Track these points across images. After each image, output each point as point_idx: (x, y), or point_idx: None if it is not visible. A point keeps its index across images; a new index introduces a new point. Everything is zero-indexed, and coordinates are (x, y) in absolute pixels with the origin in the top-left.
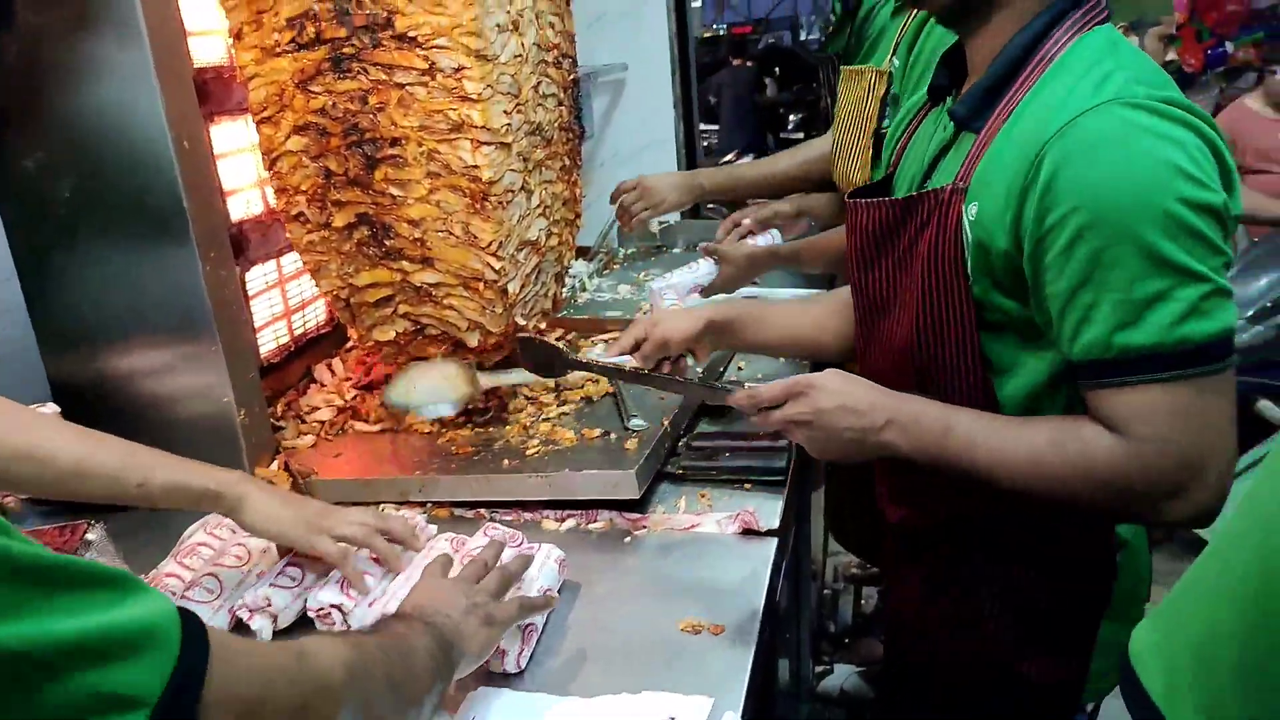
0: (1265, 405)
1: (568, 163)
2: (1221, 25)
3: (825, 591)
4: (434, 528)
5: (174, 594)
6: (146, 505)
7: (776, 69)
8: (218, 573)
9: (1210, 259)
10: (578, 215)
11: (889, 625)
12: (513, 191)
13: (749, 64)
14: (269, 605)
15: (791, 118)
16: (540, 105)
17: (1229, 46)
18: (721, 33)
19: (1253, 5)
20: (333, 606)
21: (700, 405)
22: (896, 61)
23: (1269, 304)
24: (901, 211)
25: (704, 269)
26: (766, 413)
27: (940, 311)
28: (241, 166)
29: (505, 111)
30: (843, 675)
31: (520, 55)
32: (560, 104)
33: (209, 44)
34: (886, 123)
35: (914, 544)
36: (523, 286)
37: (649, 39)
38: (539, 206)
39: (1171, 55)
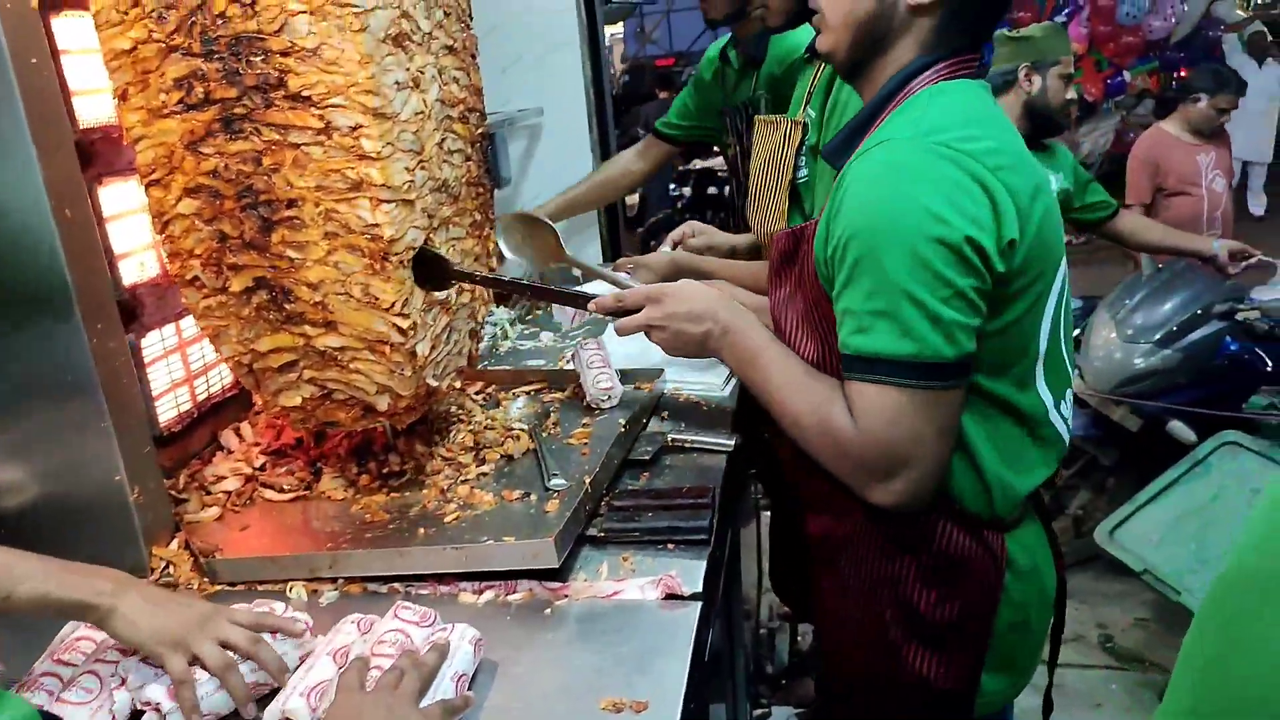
0: (1176, 426)
1: (478, 218)
2: (1118, 56)
3: (761, 631)
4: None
5: (52, 694)
6: (16, 615)
7: None
8: (98, 670)
9: (938, 289)
10: (491, 270)
11: (820, 660)
12: (414, 249)
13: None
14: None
15: (716, 146)
16: (446, 161)
17: (1126, 75)
18: (644, 61)
19: (1147, 37)
20: (152, 707)
21: (623, 460)
22: (811, 112)
23: (1175, 328)
24: (793, 240)
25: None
26: (628, 317)
27: (822, 325)
28: (134, 228)
29: (407, 169)
30: (780, 718)
31: (422, 112)
32: (468, 159)
33: (95, 103)
34: (803, 173)
35: (830, 553)
36: (433, 347)
37: (564, 82)
38: None
39: (1072, 94)
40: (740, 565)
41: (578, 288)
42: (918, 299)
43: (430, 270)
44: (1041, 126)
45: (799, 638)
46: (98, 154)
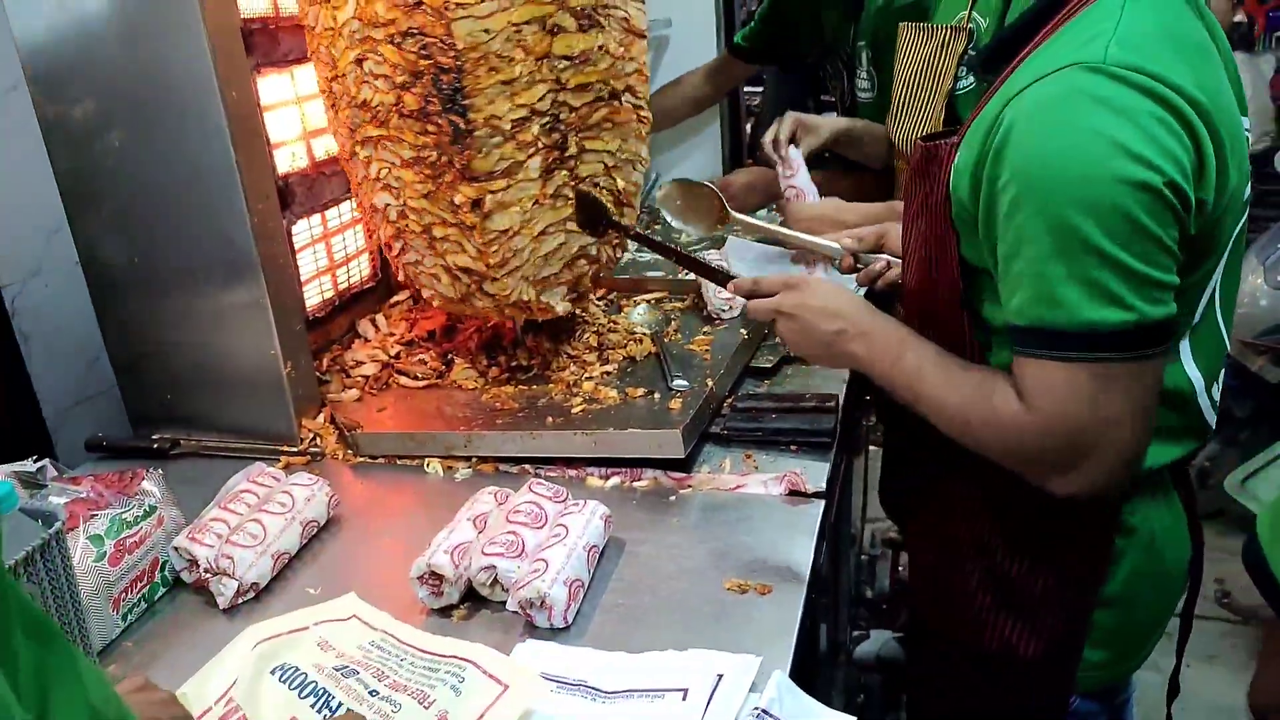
0: None
1: (424, 155)
2: None
3: (863, 557)
4: None
5: (219, 537)
6: None
7: None
8: (261, 519)
9: (1138, 243)
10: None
11: (912, 590)
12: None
13: None
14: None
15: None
16: (365, 83)
17: None
18: None
19: None
20: None
21: (745, 367)
22: (980, 19)
23: None
24: (925, 157)
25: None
26: (761, 299)
27: (934, 263)
28: (287, 119)
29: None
30: (879, 641)
31: (331, 29)
32: (399, 87)
33: None
34: (962, 83)
35: (931, 484)
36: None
37: None
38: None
39: (1240, 16)
40: (850, 492)
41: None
42: (1115, 257)
43: (589, 213)
44: None
45: (900, 568)
46: (257, 44)
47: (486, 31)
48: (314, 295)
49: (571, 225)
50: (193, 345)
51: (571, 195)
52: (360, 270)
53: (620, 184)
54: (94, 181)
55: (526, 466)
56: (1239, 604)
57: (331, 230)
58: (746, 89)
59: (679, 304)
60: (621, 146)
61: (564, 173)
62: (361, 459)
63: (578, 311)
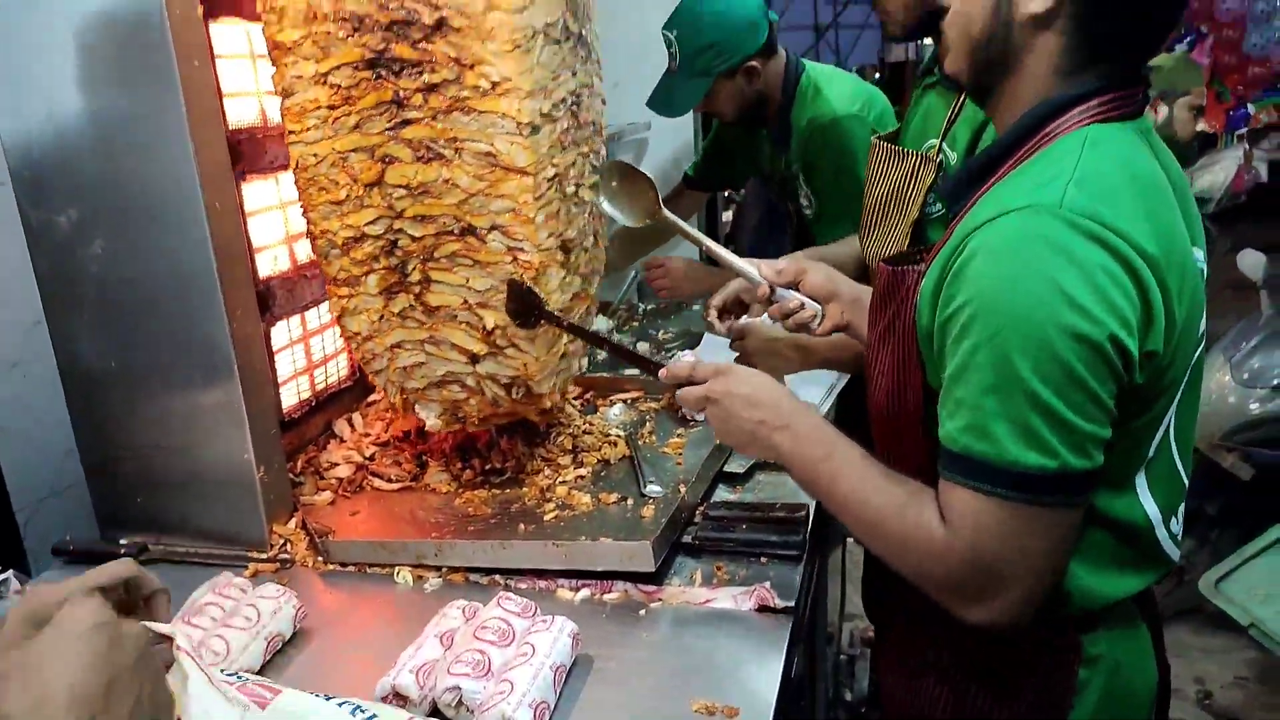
0: None
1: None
2: (1243, 88)
3: (841, 656)
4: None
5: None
6: None
7: None
8: (225, 634)
9: (1073, 394)
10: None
11: (883, 706)
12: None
13: None
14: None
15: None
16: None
17: (1250, 109)
18: None
19: (1276, 69)
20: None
21: (717, 473)
22: (950, 151)
23: None
24: (892, 281)
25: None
26: (689, 388)
27: (901, 386)
28: (270, 223)
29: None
30: None
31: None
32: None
33: (243, 105)
34: (930, 209)
35: (898, 598)
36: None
37: None
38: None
39: (1202, 125)
40: (825, 590)
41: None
42: (1047, 403)
43: (519, 303)
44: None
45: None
46: (244, 153)
47: (315, 155)
48: (291, 396)
49: (432, 348)
50: (165, 448)
51: (426, 320)
52: (338, 369)
53: (489, 321)
54: (75, 286)
55: (497, 577)
56: (1220, 705)
57: (311, 331)
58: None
59: (654, 404)
60: (494, 287)
61: (408, 296)
62: (332, 566)
63: (559, 402)
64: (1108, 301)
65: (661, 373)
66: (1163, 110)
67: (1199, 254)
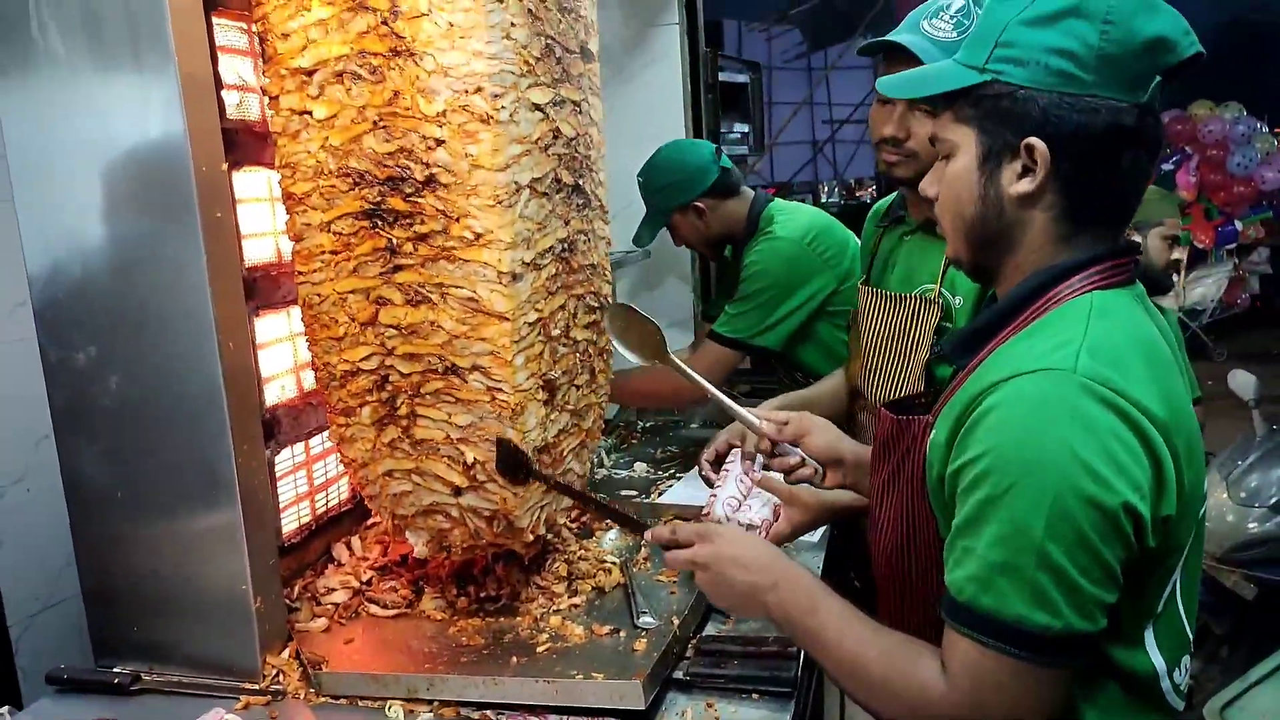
0: None
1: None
2: (1229, 205)
3: None
4: None
5: None
6: None
7: None
8: None
9: (1083, 557)
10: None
11: None
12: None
13: None
14: None
15: None
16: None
17: (1238, 224)
18: None
19: (1260, 187)
20: None
21: (709, 606)
22: (950, 295)
23: None
24: (897, 430)
25: (756, 507)
26: (676, 551)
27: (909, 536)
28: (280, 354)
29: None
30: None
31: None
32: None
33: (261, 245)
34: (939, 349)
35: None
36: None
37: None
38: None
39: (1177, 254)
40: (824, 710)
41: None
42: (1057, 564)
43: (508, 461)
44: (1145, 279)
45: None
46: (259, 289)
47: (319, 295)
48: (292, 521)
49: (418, 478)
50: (164, 575)
51: (413, 451)
52: (339, 493)
53: (469, 456)
54: (88, 417)
55: (488, 712)
56: None
57: (315, 456)
58: None
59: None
60: (474, 424)
61: (397, 429)
62: (324, 698)
63: (550, 536)
64: (1122, 468)
65: (646, 535)
66: (1136, 238)
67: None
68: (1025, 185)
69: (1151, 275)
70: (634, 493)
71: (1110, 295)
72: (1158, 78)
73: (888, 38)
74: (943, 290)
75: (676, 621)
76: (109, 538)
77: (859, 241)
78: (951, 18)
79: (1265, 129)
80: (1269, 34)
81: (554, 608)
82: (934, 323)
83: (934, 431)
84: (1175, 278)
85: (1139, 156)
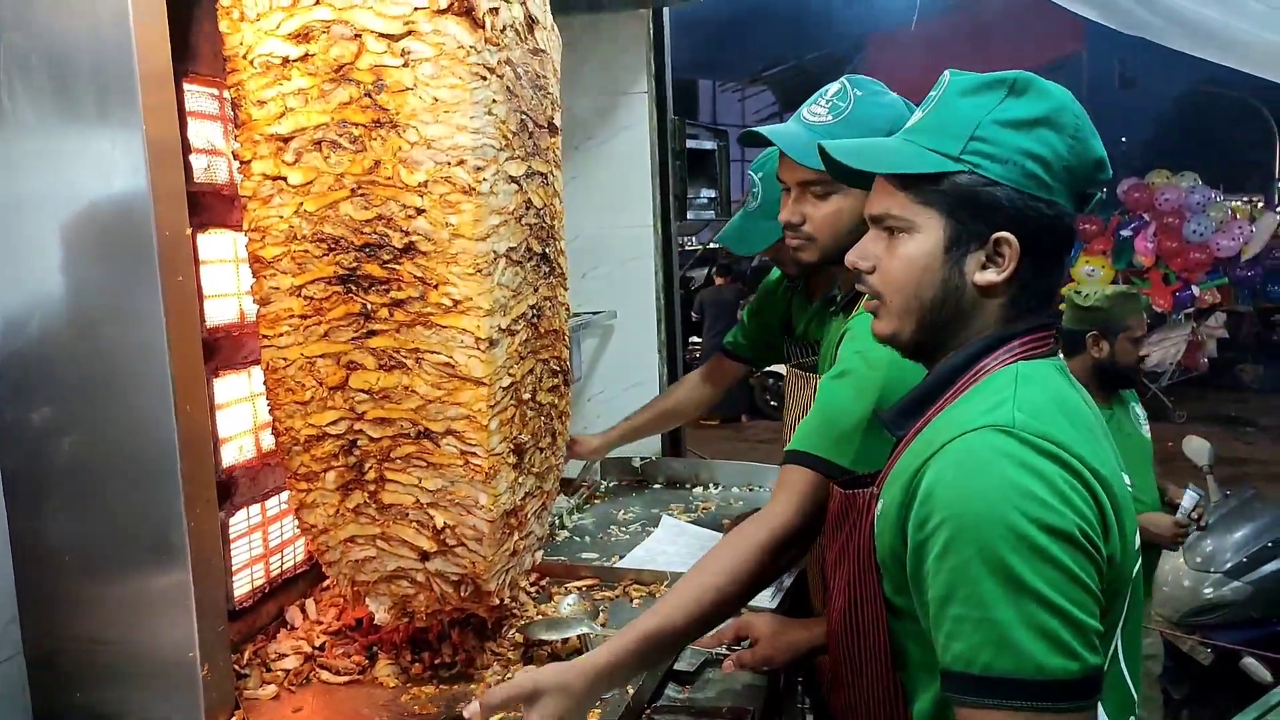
0: (1249, 663)
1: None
2: (1186, 271)
3: None
4: None
5: None
6: None
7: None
8: None
9: (1068, 588)
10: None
11: None
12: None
13: (735, 283)
14: None
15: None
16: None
17: (1195, 289)
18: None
19: (1215, 254)
20: None
21: (667, 671)
22: None
23: (1245, 559)
24: (845, 503)
25: None
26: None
27: (858, 603)
28: (239, 415)
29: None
30: None
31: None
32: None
33: (222, 306)
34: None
35: None
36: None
37: (638, 288)
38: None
39: (1145, 351)
40: None
41: None
42: (1060, 605)
43: None
44: (1110, 383)
45: None
46: (220, 350)
47: (284, 359)
48: (244, 584)
49: (383, 544)
50: (110, 641)
51: (379, 516)
52: (295, 554)
53: (439, 521)
54: (41, 480)
55: None
56: None
57: (271, 517)
58: (692, 341)
59: (609, 593)
60: (445, 488)
61: (363, 494)
62: None
63: (508, 600)
64: (1070, 503)
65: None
66: (1105, 346)
67: (1125, 478)
68: (991, 275)
69: (1118, 374)
70: (594, 555)
71: (1033, 365)
72: (1098, 194)
73: (760, 129)
74: None
75: (631, 690)
76: (55, 600)
77: None
78: (828, 103)
79: (1220, 198)
80: (1223, 106)
81: (509, 675)
82: None
83: (880, 503)
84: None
85: (1066, 260)
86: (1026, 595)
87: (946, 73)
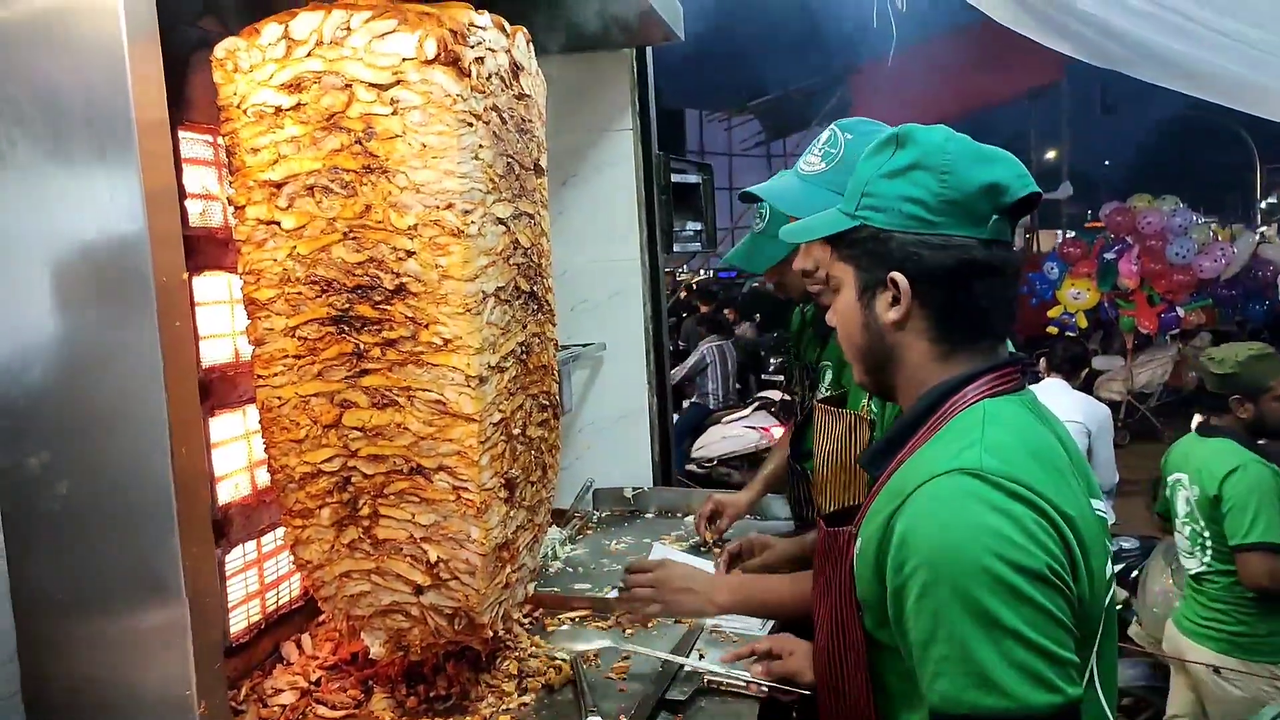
0: None
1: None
2: (1171, 292)
3: None
4: None
5: None
6: None
7: (757, 314)
8: None
9: (1044, 625)
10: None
11: None
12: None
13: (723, 310)
14: None
15: (772, 361)
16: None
17: (1180, 311)
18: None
19: (1199, 276)
20: None
21: (659, 700)
22: (875, 408)
23: None
24: (829, 540)
25: None
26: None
27: (840, 636)
28: (234, 453)
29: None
30: None
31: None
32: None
33: (217, 346)
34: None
35: None
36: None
37: (626, 320)
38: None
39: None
40: None
41: None
42: (1038, 642)
43: None
44: (1273, 436)
45: None
46: (215, 390)
47: (279, 399)
48: (240, 621)
49: (378, 578)
50: (105, 681)
51: (373, 552)
52: (291, 590)
53: (433, 555)
54: (37, 522)
55: None
56: None
57: (266, 553)
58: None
59: (601, 623)
60: (438, 523)
61: (357, 529)
62: None
63: (502, 632)
64: (1040, 542)
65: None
66: (1250, 407)
67: (1099, 504)
68: (894, 314)
69: (1271, 431)
70: (587, 585)
71: (1000, 402)
72: (995, 216)
73: (756, 189)
74: (870, 405)
75: (625, 719)
76: (51, 639)
77: None
78: (820, 150)
79: (1201, 220)
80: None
81: (503, 706)
82: (867, 438)
83: (858, 542)
84: None
85: (993, 283)
86: (1005, 634)
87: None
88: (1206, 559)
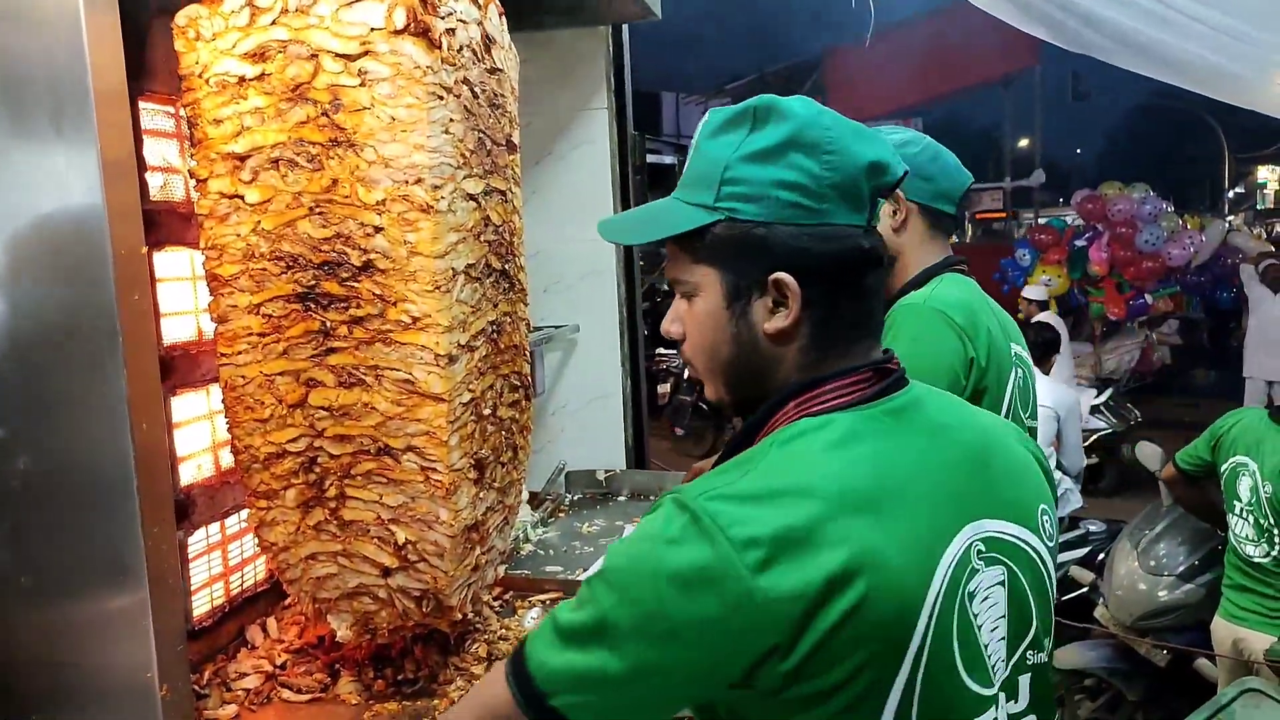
0: (1204, 665)
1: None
2: (1139, 279)
3: None
4: None
5: None
6: None
7: None
8: None
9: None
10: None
11: None
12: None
13: None
14: None
15: None
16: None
17: (1148, 298)
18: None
19: (1168, 263)
20: None
21: None
22: None
23: (1197, 562)
24: None
25: None
26: None
27: None
28: (198, 433)
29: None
30: None
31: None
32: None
33: (179, 323)
34: None
35: None
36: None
37: (599, 302)
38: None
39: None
40: None
41: None
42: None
43: None
44: None
45: None
46: (177, 368)
47: (243, 377)
48: (203, 604)
49: (345, 560)
50: (67, 664)
51: (340, 533)
52: (256, 573)
53: (400, 537)
54: None
55: None
56: None
57: (230, 535)
58: (659, 353)
59: None
60: (406, 504)
61: (324, 511)
62: None
63: (471, 615)
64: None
65: None
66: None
67: (991, 525)
68: (780, 321)
69: None
70: (559, 568)
71: (817, 421)
72: (881, 199)
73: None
74: None
75: None
76: (10, 622)
77: None
78: None
79: (1170, 208)
80: (1174, 119)
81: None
82: None
83: None
84: None
85: (879, 276)
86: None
87: (708, 112)
88: (1275, 552)
